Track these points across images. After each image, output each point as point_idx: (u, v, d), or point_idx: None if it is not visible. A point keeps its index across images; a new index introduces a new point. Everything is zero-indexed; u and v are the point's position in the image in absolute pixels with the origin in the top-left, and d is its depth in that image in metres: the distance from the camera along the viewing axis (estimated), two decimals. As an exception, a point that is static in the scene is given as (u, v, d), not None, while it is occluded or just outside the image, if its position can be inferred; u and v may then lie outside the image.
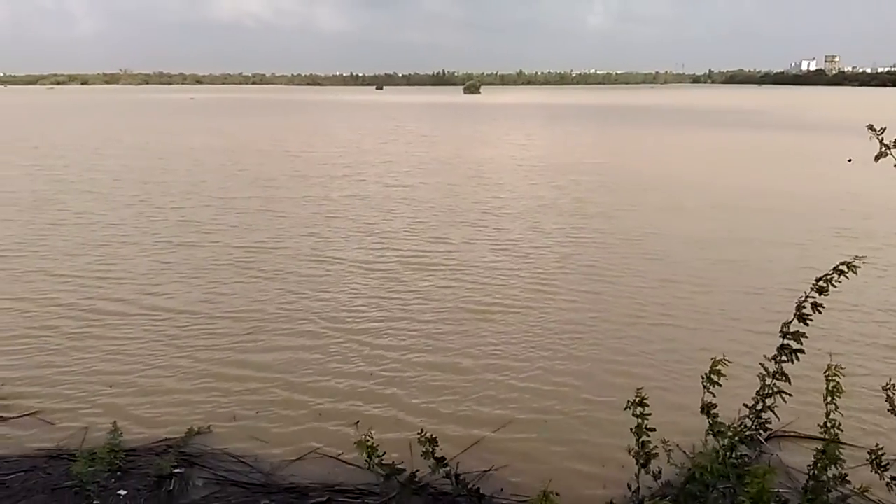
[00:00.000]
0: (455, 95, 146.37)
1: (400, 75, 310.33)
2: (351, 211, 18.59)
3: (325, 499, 5.71)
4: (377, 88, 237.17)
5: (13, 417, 7.24)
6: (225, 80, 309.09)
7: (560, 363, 8.47)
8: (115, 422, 6.51)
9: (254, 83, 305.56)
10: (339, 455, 6.40)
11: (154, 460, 6.20)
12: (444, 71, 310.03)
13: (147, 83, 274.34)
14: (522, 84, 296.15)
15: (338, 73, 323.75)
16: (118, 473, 5.99)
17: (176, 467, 6.09)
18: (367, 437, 4.49)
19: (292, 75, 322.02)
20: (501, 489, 5.82)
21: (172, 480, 5.93)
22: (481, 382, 7.99)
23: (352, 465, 6.25)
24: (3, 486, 5.97)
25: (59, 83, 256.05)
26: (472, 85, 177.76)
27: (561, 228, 16.29)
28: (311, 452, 6.52)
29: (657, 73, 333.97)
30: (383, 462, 4.53)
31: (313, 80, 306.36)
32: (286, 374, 8.27)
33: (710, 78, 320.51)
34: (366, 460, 4.48)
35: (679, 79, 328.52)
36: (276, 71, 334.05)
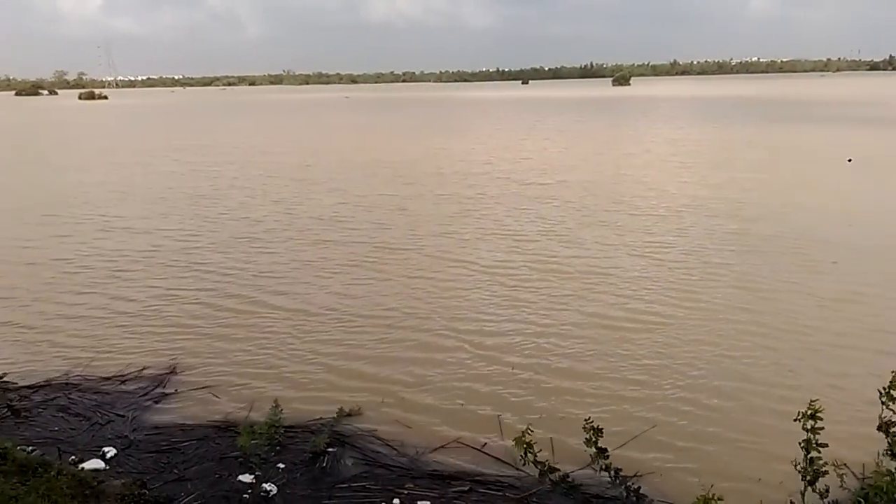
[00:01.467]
0: (603, 88, 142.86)
1: (546, 69, 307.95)
2: (484, 210, 18.45)
3: (466, 488, 5.89)
4: (523, 83, 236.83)
5: (188, 391, 8.11)
6: (378, 78, 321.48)
7: (706, 382, 8.03)
8: (275, 400, 7.07)
9: (404, 81, 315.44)
10: (483, 447, 6.59)
11: (310, 438, 6.71)
12: (592, 63, 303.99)
13: (307, 83, 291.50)
14: (676, 74, 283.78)
15: (484, 69, 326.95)
16: (277, 448, 6.52)
17: (329, 446, 6.56)
18: (526, 434, 4.60)
19: (440, 72, 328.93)
20: (651, 500, 5.70)
21: (326, 458, 6.40)
22: (619, 391, 7.82)
23: (493, 456, 6.43)
24: (179, 452, 6.70)
25: (230, 84, 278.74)
26: (621, 77, 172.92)
27: (712, 232, 15.19)
28: (454, 442, 6.75)
29: (829, 59, 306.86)
30: (538, 460, 4.63)
31: (461, 77, 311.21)
32: (427, 367, 8.58)
33: (890, 64, 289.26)
34: (521, 457, 4.60)
35: (854, 66, 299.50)
36: (424, 69, 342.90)
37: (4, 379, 5.92)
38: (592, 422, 4.58)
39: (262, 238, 15.84)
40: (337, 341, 9.48)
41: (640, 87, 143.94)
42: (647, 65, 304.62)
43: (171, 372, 8.58)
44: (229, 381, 8.30)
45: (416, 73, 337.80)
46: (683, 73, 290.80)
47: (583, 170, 25.83)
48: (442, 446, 6.68)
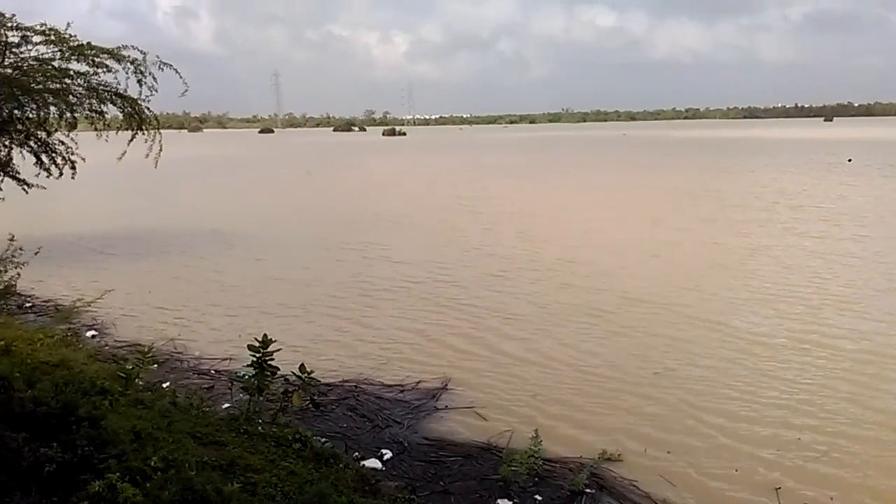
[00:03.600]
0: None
1: (856, 105, 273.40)
2: (752, 264, 16.41)
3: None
4: (825, 120, 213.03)
5: (457, 408, 8.61)
6: (657, 115, 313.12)
7: None
8: (536, 430, 7.19)
9: (686, 118, 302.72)
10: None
11: (568, 475, 6.69)
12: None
13: (585, 121, 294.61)
14: None
15: (779, 105, 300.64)
16: (536, 479, 6.61)
17: (587, 487, 6.47)
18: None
19: (727, 108, 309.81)
20: None
21: (583, 499, 6.32)
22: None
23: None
24: (446, 466, 7.11)
25: (511, 122, 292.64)
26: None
27: None
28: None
29: None
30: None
31: (751, 113, 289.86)
32: (684, 432, 8.07)
33: None
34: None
35: None
36: (710, 105, 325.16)
37: (312, 375, 6.89)
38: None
39: (512, 277, 15.75)
40: (590, 386, 9.36)
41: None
42: None
43: (444, 388, 9.19)
44: (495, 405, 8.66)
45: (700, 109, 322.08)
46: None
47: (892, 225, 21.93)
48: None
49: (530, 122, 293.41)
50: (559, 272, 16.24)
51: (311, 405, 8.04)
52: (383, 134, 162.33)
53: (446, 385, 9.29)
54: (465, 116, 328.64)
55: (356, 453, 7.24)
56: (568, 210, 27.22)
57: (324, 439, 7.14)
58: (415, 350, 10.87)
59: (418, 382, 9.42)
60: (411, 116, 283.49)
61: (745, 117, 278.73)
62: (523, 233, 22.00)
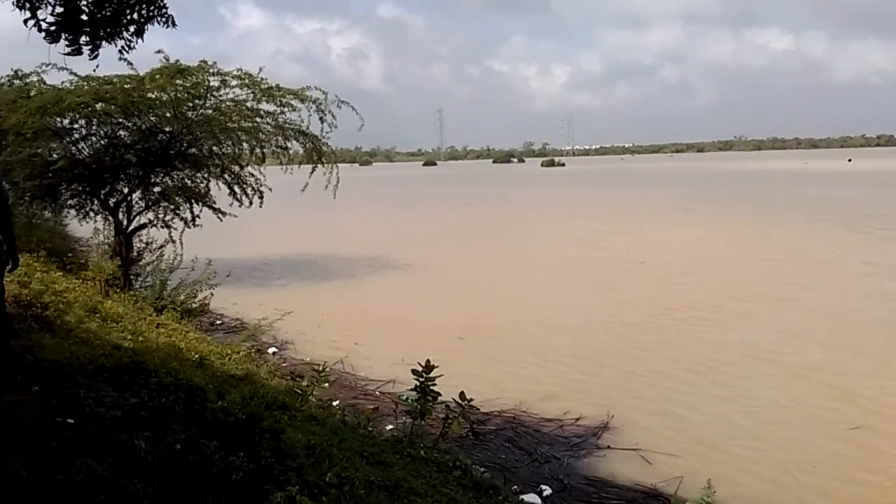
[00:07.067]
0: None
1: None
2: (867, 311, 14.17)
3: None
4: None
5: (619, 449, 8.26)
6: (843, 143, 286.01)
7: None
8: (709, 479, 6.67)
9: (878, 145, 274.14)
10: None
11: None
12: None
13: (759, 149, 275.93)
14: None
15: None
16: (706, 533, 6.12)
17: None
18: None
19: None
20: None
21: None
22: None
23: None
24: (608, 509, 6.81)
25: (677, 151, 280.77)
26: None
27: None
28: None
29: None
30: None
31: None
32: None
33: None
34: None
35: None
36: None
37: (472, 403, 6.94)
38: None
39: (671, 322, 14.52)
40: (764, 437, 8.61)
41: None
42: None
43: (605, 427, 8.85)
44: (661, 449, 8.19)
45: (895, 135, 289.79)
46: None
47: None
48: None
49: (698, 151, 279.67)
50: (721, 318, 14.85)
51: (470, 433, 8.07)
52: (542, 165, 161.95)
53: (608, 423, 8.95)
54: (626, 146, 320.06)
55: (514, 486, 7.14)
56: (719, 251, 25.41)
57: (482, 469, 7.11)
58: (576, 386, 10.59)
59: (578, 419, 9.15)
60: (570, 147, 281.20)
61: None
62: (674, 277, 20.47)
